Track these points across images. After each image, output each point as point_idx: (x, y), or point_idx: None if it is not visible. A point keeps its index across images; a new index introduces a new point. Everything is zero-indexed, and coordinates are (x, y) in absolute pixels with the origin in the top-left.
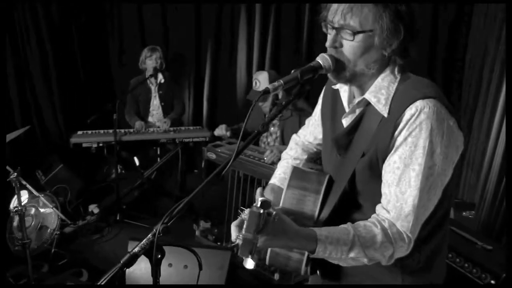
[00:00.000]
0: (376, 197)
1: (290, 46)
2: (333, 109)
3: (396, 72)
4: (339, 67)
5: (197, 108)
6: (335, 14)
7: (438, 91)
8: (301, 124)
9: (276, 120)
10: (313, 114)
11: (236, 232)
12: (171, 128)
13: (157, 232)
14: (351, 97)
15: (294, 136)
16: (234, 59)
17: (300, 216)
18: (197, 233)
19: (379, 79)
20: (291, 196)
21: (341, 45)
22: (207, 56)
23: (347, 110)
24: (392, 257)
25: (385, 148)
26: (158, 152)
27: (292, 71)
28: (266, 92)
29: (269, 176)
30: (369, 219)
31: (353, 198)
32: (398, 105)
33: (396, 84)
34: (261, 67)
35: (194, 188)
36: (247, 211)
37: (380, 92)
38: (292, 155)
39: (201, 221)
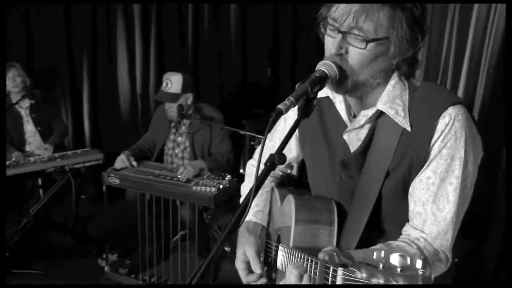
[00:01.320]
0: (403, 218)
1: (174, 49)
2: (322, 124)
3: (403, 78)
4: (342, 77)
5: (78, 127)
6: (346, 15)
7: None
8: (212, 135)
9: (184, 129)
10: (279, 129)
11: None
12: (56, 154)
13: None
14: (348, 109)
15: (252, 162)
16: (114, 69)
17: (317, 252)
18: (106, 268)
19: (389, 87)
20: (303, 232)
21: (347, 52)
22: (83, 67)
23: (348, 124)
24: (431, 276)
25: (422, 163)
26: (40, 183)
27: (297, 85)
28: (279, 113)
29: (186, 196)
30: (400, 239)
31: (377, 223)
32: (425, 114)
33: (407, 91)
34: (145, 76)
35: (87, 218)
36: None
37: (396, 102)
38: None
39: (108, 253)
